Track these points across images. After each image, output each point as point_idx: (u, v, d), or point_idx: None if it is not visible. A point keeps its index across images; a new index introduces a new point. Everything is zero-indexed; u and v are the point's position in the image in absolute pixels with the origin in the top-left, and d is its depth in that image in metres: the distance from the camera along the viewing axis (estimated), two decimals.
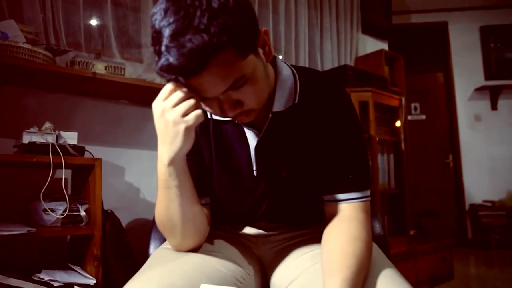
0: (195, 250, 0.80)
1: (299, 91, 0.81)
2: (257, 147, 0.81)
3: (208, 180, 0.85)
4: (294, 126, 0.81)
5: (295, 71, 0.83)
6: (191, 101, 0.65)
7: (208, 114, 0.82)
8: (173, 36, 0.57)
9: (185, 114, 0.65)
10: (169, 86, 0.66)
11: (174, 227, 0.76)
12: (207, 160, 0.84)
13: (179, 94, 0.65)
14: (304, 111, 0.81)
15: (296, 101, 0.80)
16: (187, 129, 0.65)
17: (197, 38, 0.56)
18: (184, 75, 0.59)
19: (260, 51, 0.70)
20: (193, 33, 0.56)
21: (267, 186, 0.84)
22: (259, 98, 0.70)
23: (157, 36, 0.60)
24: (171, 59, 0.58)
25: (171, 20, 0.58)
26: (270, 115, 0.79)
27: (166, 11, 0.59)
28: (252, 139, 0.81)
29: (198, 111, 0.66)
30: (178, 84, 0.65)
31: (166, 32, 0.58)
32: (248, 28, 0.63)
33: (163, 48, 0.59)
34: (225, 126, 0.83)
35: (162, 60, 0.59)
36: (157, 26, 0.60)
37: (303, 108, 0.80)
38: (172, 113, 0.65)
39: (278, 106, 0.79)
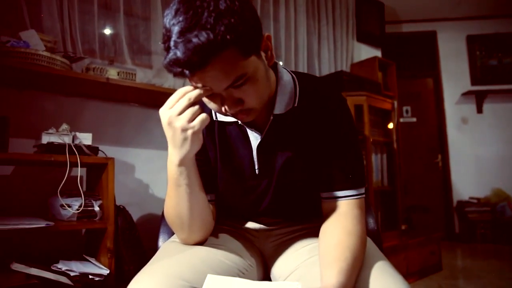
0: (201, 243, 0.80)
1: (298, 95, 0.80)
2: (259, 148, 0.81)
3: (213, 178, 0.85)
4: (293, 128, 0.80)
5: (295, 76, 0.83)
6: (195, 108, 0.65)
7: (213, 116, 0.82)
8: (181, 33, 0.58)
9: (191, 120, 0.65)
10: (175, 96, 0.66)
11: (183, 222, 0.76)
12: (212, 159, 0.84)
13: (183, 101, 0.64)
14: (303, 114, 0.80)
15: (296, 105, 0.79)
16: (194, 134, 0.65)
17: (203, 35, 0.56)
18: (190, 68, 0.59)
19: (263, 54, 0.69)
20: (200, 30, 0.57)
21: (268, 184, 0.83)
22: (259, 98, 0.69)
23: (167, 33, 0.60)
24: (178, 53, 0.58)
25: (181, 18, 0.58)
26: (271, 118, 0.78)
27: (176, 11, 0.59)
28: (254, 140, 0.81)
29: (203, 115, 0.65)
30: (183, 93, 0.65)
31: (175, 29, 0.58)
32: (251, 30, 0.63)
33: (171, 43, 0.59)
34: (229, 127, 0.82)
35: (170, 55, 0.59)
36: (167, 25, 0.60)
37: (302, 111, 0.80)
38: (179, 121, 0.64)
39: (278, 109, 0.78)
